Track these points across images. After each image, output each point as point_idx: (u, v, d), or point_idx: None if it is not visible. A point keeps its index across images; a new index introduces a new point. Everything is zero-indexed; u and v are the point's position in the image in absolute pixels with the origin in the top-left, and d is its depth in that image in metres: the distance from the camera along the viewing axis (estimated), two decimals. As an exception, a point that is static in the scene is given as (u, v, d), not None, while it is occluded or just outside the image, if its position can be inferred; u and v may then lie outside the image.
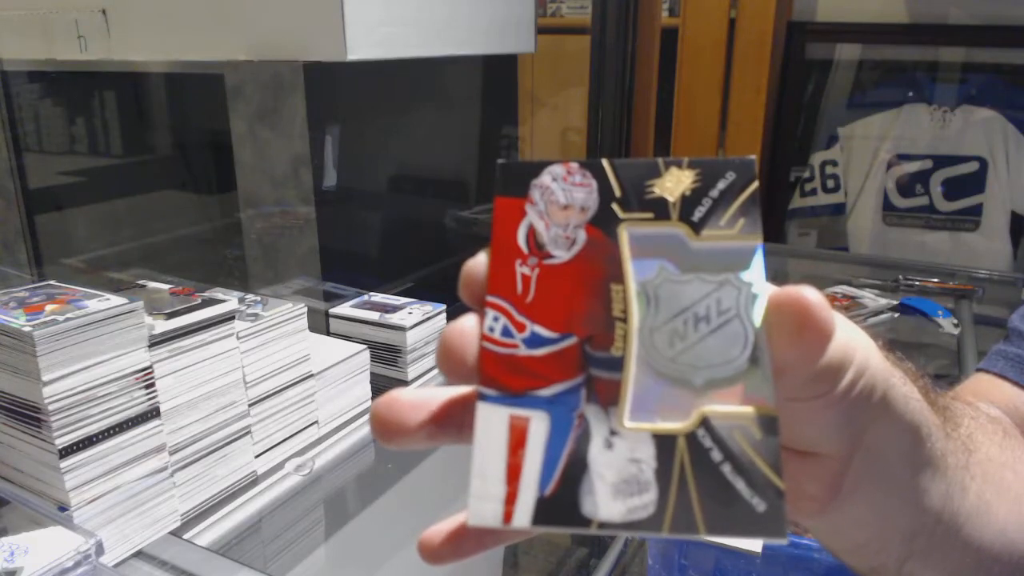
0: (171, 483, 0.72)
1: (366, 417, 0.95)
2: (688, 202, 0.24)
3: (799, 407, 0.25)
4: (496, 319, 0.23)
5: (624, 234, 0.24)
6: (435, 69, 1.34)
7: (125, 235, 1.44)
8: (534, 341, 0.23)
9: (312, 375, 0.87)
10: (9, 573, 0.58)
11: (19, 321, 0.61)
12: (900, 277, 1.45)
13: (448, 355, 0.23)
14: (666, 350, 0.22)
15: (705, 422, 0.22)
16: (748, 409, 0.22)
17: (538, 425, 0.22)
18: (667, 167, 0.24)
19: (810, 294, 0.22)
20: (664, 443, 0.22)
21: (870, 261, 1.82)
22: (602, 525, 0.21)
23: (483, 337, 0.23)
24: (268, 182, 1.14)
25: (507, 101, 1.60)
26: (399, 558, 0.75)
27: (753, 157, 0.24)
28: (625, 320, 0.23)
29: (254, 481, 0.81)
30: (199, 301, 0.74)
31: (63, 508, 0.64)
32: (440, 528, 0.25)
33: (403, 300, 1.08)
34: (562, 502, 0.21)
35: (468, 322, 0.24)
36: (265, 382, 0.81)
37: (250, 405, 0.79)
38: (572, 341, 0.23)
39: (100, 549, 0.63)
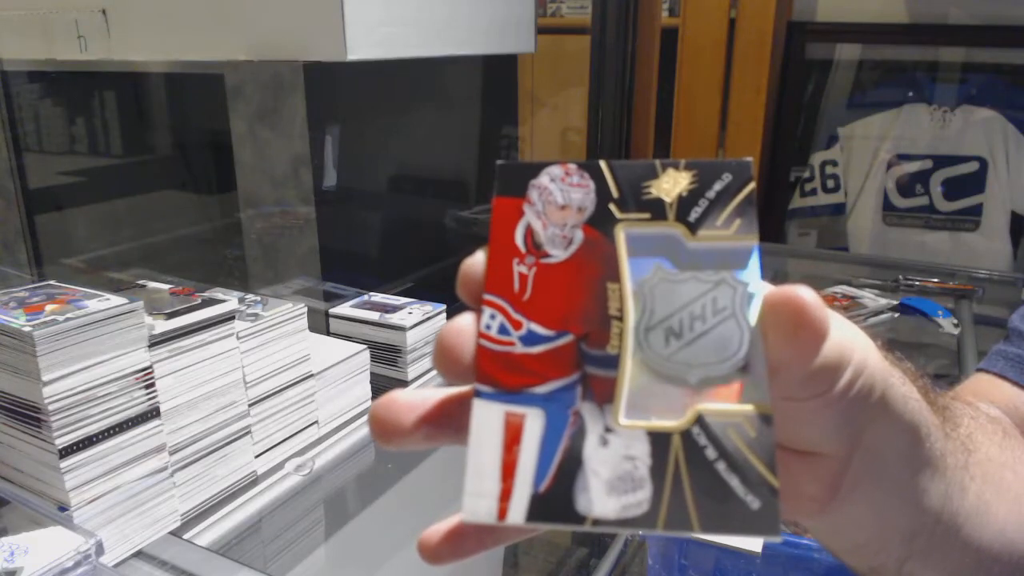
0: (171, 483, 0.72)
1: (366, 417, 0.95)
2: (685, 203, 0.24)
3: (798, 407, 0.25)
4: (493, 317, 0.23)
5: (621, 234, 0.24)
6: (435, 69, 1.34)
7: (125, 235, 1.44)
8: (530, 339, 0.23)
9: (312, 375, 0.87)
10: (9, 573, 0.58)
11: (19, 321, 0.61)
12: (900, 277, 1.45)
13: (445, 353, 0.23)
14: (662, 348, 0.23)
15: (700, 420, 0.22)
16: (743, 407, 0.22)
17: (533, 422, 0.22)
18: (664, 168, 0.24)
19: (805, 294, 0.22)
20: (659, 440, 0.22)
21: (870, 261, 1.82)
22: (596, 522, 0.21)
23: (480, 335, 0.23)
24: (268, 182, 1.14)
25: (507, 101, 1.60)
26: (399, 558, 0.75)
27: (750, 159, 0.24)
28: (621, 318, 0.23)
29: (254, 481, 0.81)
30: (199, 301, 0.74)
31: (63, 508, 0.64)
32: (440, 528, 0.25)
33: (403, 300, 1.08)
34: (557, 499, 0.21)
35: (465, 321, 0.24)
36: (265, 382, 0.81)
37: (250, 405, 0.79)
38: (568, 339, 0.23)
39: (100, 549, 0.63)
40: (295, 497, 0.82)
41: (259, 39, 0.88)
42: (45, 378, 0.61)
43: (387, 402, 0.25)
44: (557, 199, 0.24)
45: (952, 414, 0.35)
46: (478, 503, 0.22)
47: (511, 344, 0.23)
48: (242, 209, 1.18)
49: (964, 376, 0.68)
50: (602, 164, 0.25)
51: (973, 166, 1.88)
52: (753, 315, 0.23)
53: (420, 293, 1.12)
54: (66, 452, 0.63)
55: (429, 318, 1.04)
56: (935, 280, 1.46)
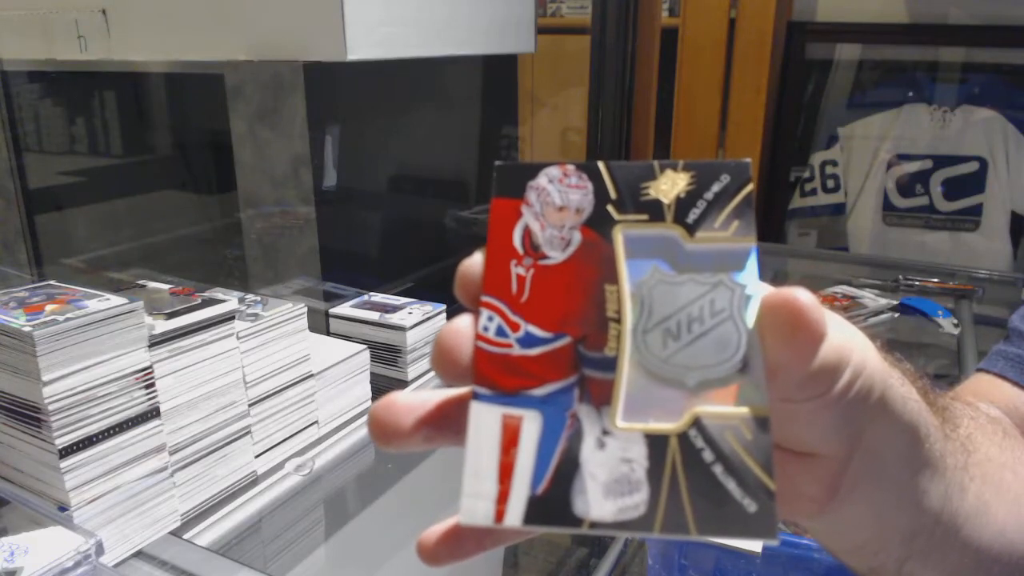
0: (171, 483, 0.72)
1: (366, 418, 0.95)
2: (683, 204, 0.24)
3: (797, 408, 0.25)
4: (491, 319, 0.23)
5: (619, 235, 0.24)
6: (435, 69, 1.34)
7: (125, 235, 1.44)
8: (528, 341, 0.23)
9: (312, 375, 0.87)
10: (9, 573, 0.59)
11: (19, 321, 0.61)
12: (900, 277, 1.45)
13: (443, 355, 0.23)
14: (659, 351, 0.23)
15: (697, 422, 0.22)
16: (740, 410, 0.22)
17: (531, 424, 0.22)
18: (662, 169, 0.24)
19: (802, 296, 0.22)
20: (656, 443, 0.22)
21: (870, 261, 1.82)
22: (593, 524, 0.21)
23: (478, 336, 0.23)
24: (268, 182, 1.14)
25: (507, 101, 1.60)
26: (399, 558, 0.75)
27: (748, 160, 0.24)
28: (619, 320, 0.23)
29: (254, 481, 0.81)
30: (199, 301, 0.74)
31: (63, 508, 0.64)
32: (438, 529, 0.25)
33: (403, 300, 1.08)
34: (554, 501, 0.21)
35: (463, 322, 0.24)
36: (265, 382, 0.81)
37: (250, 405, 0.79)
38: (566, 341, 0.23)
39: (100, 549, 0.63)
40: (295, 497, 0.82)
41: (259, 39, 0.88)
42: (45, 378, 0.61)
43: (386, 404, 0.25)
44: (555, 200, 0.24)
45: (952, 415, 0.35)
46: (476, 505, 0.22)
47: (509, 346, 0.23)
48: (242, 209, 1.18)
49: (964, 376, 0.68)
50: (600, 165, 0.25)
51: (973, 166, 1.88)
52: (751, 317, 0.23)
53: (420, 293, 1.12)
54: (66, 452, 0.63)
55: (429, 318, 1.04)
56: (935, 280, 1.46)
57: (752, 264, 0.23)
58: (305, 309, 0.85)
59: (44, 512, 0.64)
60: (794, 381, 0.23)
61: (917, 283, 1.44)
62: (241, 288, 0.94)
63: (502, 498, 0.22)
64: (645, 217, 0.24)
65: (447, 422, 0.25)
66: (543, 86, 2.01)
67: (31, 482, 0.66)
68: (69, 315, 0.62)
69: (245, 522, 0.77)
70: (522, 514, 0.21)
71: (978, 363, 0.52)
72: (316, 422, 0.89)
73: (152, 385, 0.68)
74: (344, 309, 1.06)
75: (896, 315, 1.31)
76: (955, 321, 1.26)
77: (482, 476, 0.22)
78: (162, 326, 0.69)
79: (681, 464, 0.21)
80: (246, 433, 0.79)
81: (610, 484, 0.21)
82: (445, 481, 0.86)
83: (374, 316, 1.03)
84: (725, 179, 0.24)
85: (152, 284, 0.79)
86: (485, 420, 0.22)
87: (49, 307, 0.64)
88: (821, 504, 0.28)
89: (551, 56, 1.92)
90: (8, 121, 1.33)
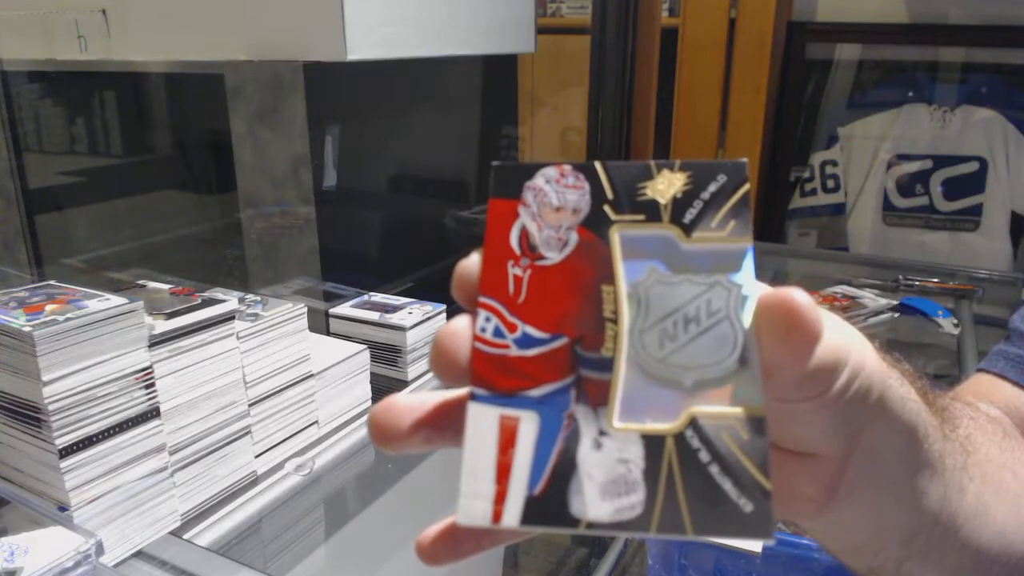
0: (171, 483, 0.72)
1: (366, 418, 0.95)
2: (679, 204, 0.24)
3: (795, 408, 0.25)
4: (488, 319, 0.23)
5: (616, 236, 0.24)
6: (435, 69, 1.34)
7: (125, 235, 1.44)
8: (525, 342, 0.23)
9: (312, 375, 0.87)
10: (9, 573, 0.59)
11: (19, 321, 0.61)
12: (900, 277, 1.45)
13: (441, 356, 0.23)
14: (656, 351, 0.23)
15: (694, 423, 0.22)
16: (736, 410, 0.22)
17: (528, 425, 0.22)
18: (659, 169, 0.24)
19: (798, 296, 0.22)
20: (653, 443, 0.22)
21: (870, 261, 1.82)
22: (590, 525, 0.21)
23: (475, 337, 0.23)
24: (268, 182, 1.14)
25: (507, 101, 1.60)
26: (399, 558, 0.75)
27: (745, 160, 0.24)
28: (615, 321, 0.23)
29: (254, 481, 0.81)
30: (199, 301, 0.74)
31: (63, 508, 0.64)
32: (437, 529, 0.25)
33: (403, 300, 1.08)
34: (551, 502, 0.22)
35: (460, 323, 0.24)
36: (265, 382, 0.81)
37: (250, 405, 0.79)
38: (563, 342, 0.23)
39: (100, 549, 0.63)
40: (295, 497, 0.82)
41: (259, 39, 0.88)
42: (45, 378, 0.61)
43: (386, 406, 0.25)
44: (552, 201, 0.24)
45: (951, 415, 0.35)
46: (473, 505, 0.22)
47: (506, 347, 0.23)
48: (242, 209, 1.18)
49: (964, 376, 0.68)
50: (597, 165, 0.25)
51: (973, 166, 1.87)
52: (747, 317, 0.23)
53: (420, 293, 1.12)
54: (66, 452, 0.63)
55: (429, 318, 1.04)
56: (935, 280, 1.46)
57: (749, 264, 0.23)
58: (305, 309, 0.85)
59: (44, 512, 0.64)
60: (790, 381, 0.23)
61: (917, 283, 1.44)
62: (241, 288, 0.94)
63: (499, 498, 0.22)
64: (642, 217, 0.24)
65: (446, 423, 0.25)
66: (543, 86, 2.00)
67: (31, 482, 0.66)
68: (69, 315, 0.62)
69: (245, 522, 0.77)
70: (519, 514, 0.21)
71: (978, 363, 0.52)
72: (316, 422, 0.89)
73: (152, 385, 0.68)
74: (344, 309, 1.06)
75: (896, 315, 1.31)
76: (955, 321, 1.26)
77: (479, 476, 0.22)
78: (162, 326, 0.69)
79: (678, 464, 0.21)
80: (246, 433, 0.79)
81: (607, 484, 0.21)
82: (445, 481, 0.86)
83: (374, 316, 1.03)
84: (722, 179, 0.24)
85: (152, 284, 0.79)
86: (482, 421, 0.22)
87: (49, 307, 0.64)
88: (820, 504, 0.28)
89: (551, 56, 1.92)
90: (8, 121, 1.33)
